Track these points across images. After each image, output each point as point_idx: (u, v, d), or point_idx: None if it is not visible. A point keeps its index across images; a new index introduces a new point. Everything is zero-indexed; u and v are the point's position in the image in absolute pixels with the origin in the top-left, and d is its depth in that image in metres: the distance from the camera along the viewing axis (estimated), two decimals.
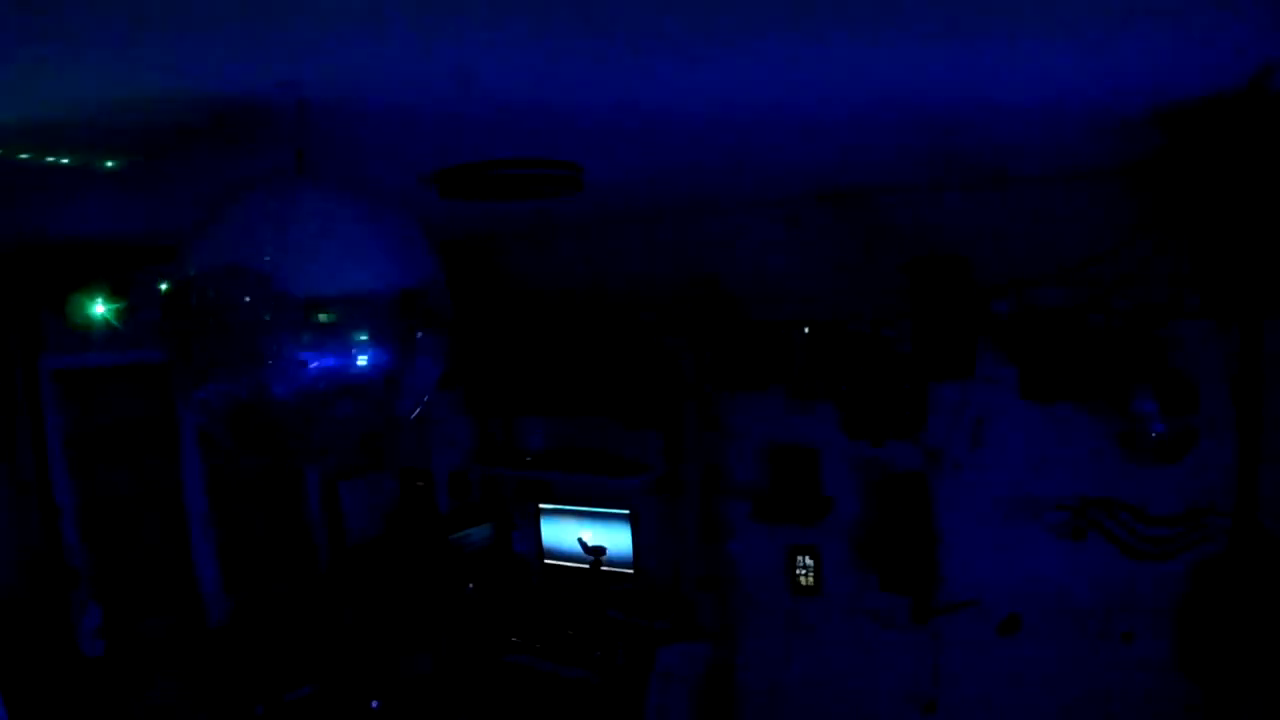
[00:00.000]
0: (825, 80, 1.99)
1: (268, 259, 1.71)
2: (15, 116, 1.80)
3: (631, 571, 5.34)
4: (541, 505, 5.68)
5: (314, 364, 1.72)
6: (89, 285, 4.18)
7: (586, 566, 5.18)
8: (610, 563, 5.18)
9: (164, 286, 1.81)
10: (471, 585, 5.21)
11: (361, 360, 1.77)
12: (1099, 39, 1.76)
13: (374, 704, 4.29)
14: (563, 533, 5.56)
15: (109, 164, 2.22)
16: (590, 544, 5.11)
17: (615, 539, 5.30)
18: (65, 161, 2.18)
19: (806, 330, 4.54)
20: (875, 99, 2.17)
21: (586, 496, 5.48)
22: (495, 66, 1.75)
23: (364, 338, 1.77)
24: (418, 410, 1.98)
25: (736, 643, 5.14)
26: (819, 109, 2.26)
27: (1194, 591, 3.77)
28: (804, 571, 4.85)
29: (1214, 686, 3.34)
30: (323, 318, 1.72)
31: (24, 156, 2.05)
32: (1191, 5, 1.58)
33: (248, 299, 1.70)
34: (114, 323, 4.19)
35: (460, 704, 4.79)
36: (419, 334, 1.86)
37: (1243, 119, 2.31)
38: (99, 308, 4.18)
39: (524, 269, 5.64)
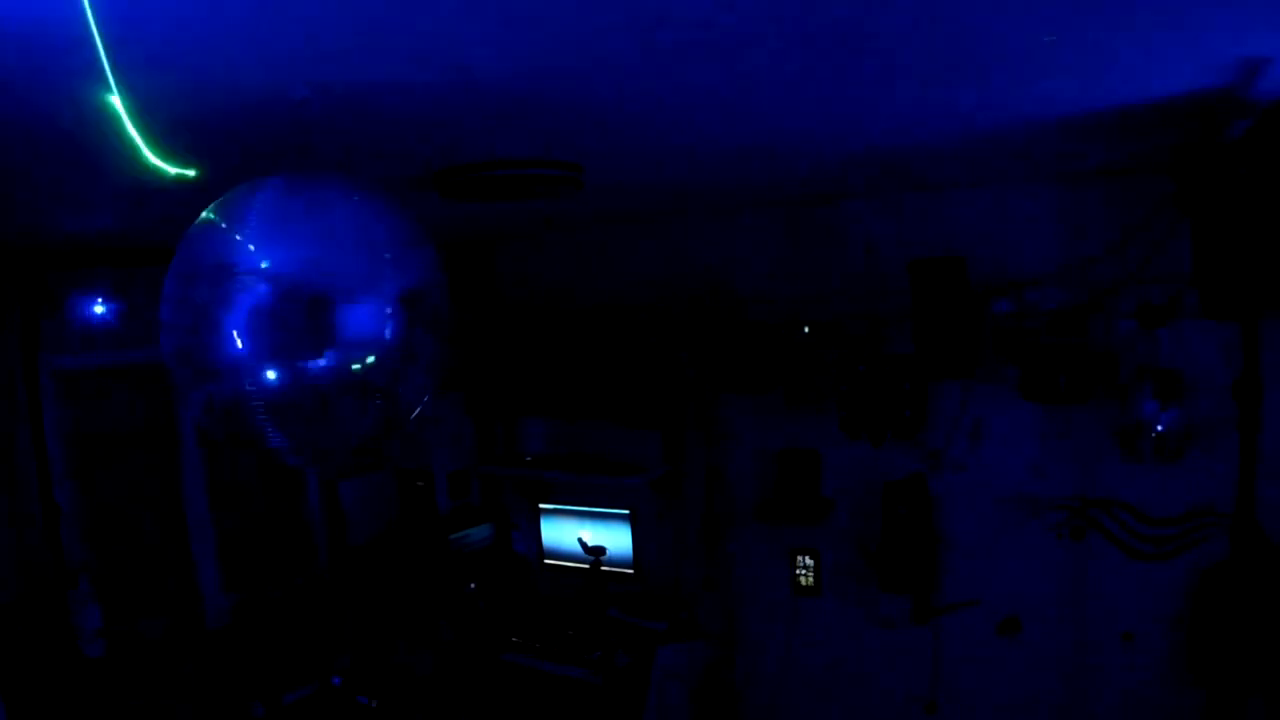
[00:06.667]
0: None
1: (268, 258, 1.71)
2: None
3: (631, 571, 5.34)
4: (541, 505, 5.68)
5: (314, 364, 1.72)
6: (89, 285, 4.18)
7: (586, 566, 5.18)
8: (610, 563, 5.17)
9: (164, 285, 1.80)
10: (472, 585, 5.21)
11: (362, 360, 1.77)
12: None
13: (372, 704, 4.29)
14: (563, 533, 5.56)
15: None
16: (590, 544, 5.11)
17: (615, 539, 5.30)
18: None
19: (806, 330, 4.54)
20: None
21: (586, 496, 5.47)
22: (496, 65, 1.75)
23: (365, 338, 1.77)
24: (418, 411, 1.97)
25: (736, 643, 5.14)
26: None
27: (1199, 592, 3.77)
28: (804, 571, 4.85)
29: (1218, 689, 3.34)
30: (323, 318, 1.71)
31: None
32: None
33: (247, 299, 1.70)
34: (114, 323, 4.19)
35: (460, 704, 4.79)
36: (420, 334, 1.85)
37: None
38: (99, 308, 4.18)
39: (524, 269, 5.64)
